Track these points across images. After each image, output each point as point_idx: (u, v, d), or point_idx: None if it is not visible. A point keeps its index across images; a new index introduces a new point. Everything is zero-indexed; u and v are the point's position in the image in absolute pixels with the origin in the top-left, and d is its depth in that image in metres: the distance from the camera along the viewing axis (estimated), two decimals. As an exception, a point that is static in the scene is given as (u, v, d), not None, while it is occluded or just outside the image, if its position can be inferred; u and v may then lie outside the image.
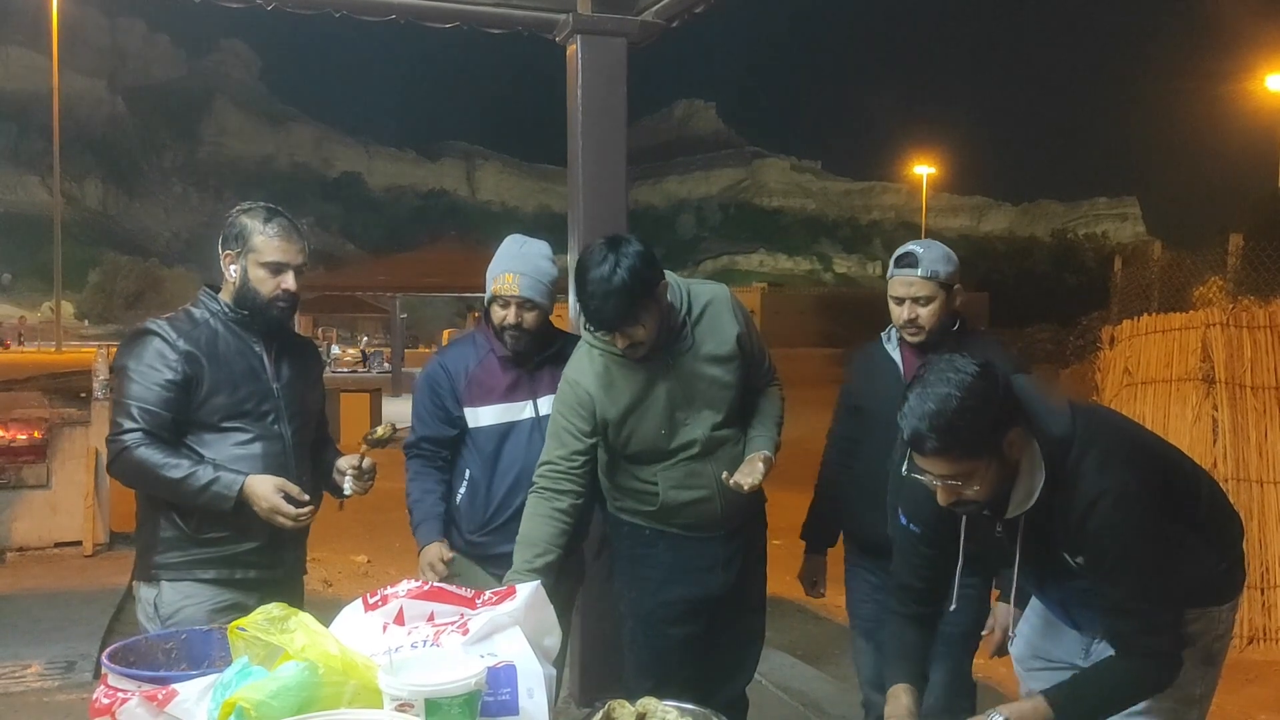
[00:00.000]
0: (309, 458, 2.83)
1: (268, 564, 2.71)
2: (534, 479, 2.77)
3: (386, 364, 24.39)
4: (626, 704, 1.83)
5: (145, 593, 2.67)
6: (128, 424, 2.56)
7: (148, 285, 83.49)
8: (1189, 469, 2.30)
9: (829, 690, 4.55)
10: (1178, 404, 6.06)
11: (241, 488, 2.54)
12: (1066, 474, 2.01)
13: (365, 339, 52.75)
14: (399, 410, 13.84)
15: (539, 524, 2.70)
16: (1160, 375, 6.28)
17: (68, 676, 4.67)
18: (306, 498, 2.62)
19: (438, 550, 2.95)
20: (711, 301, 2.82)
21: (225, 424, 2.63)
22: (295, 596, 2.69)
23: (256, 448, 2.65)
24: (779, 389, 2.99)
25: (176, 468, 2.53)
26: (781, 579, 3.42)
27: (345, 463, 2.81)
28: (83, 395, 7.12)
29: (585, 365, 2.79)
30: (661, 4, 4.06)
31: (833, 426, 3.21)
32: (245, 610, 1.77)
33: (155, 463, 2.53)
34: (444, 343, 23.54)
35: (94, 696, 1.76)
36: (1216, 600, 2.23)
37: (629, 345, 2.67)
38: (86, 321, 78.55)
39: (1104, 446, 2.05)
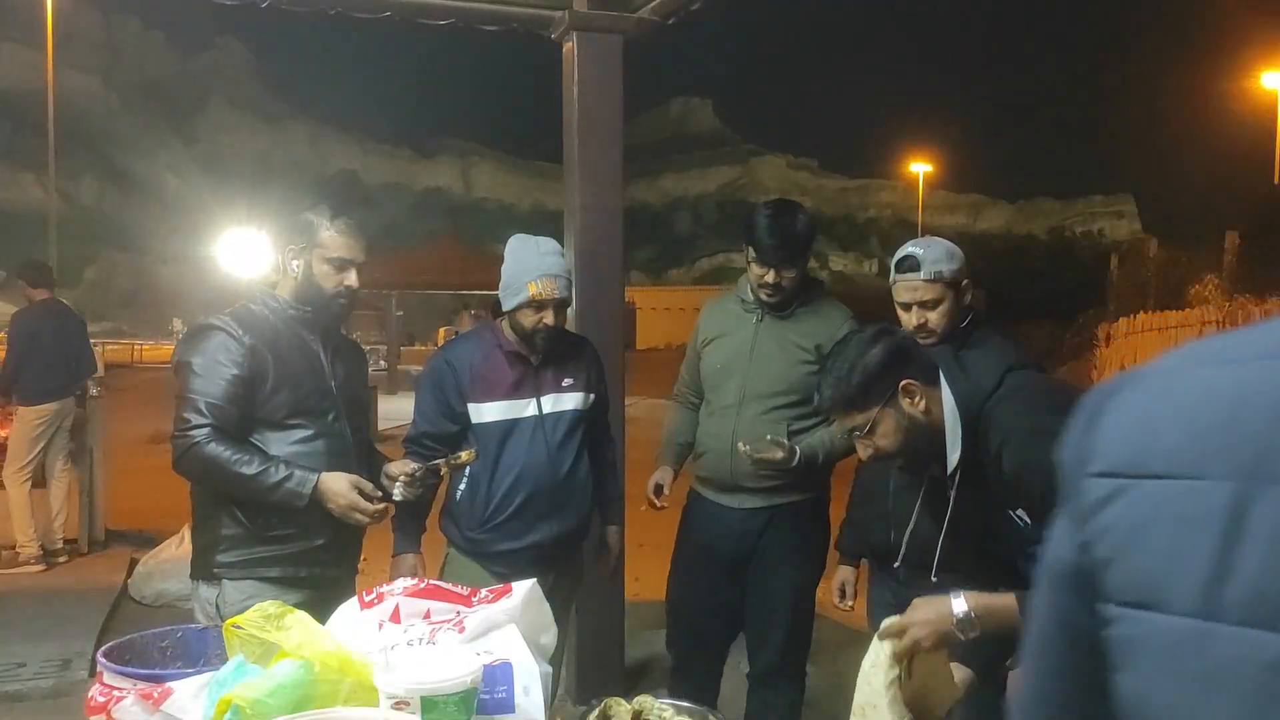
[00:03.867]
0: (365, 456, 2.84)
1: (332, 561, 2.72)
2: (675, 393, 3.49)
3: (382, 362, 24.29)
4: (623, 701, 1.83)
5: (205, 591, 2.65)
6: (196, 419, 2.53)
7: (143, 283, 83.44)
8: None
9: (826, 687, 4.56)
10: (1173, 401, 6.08)
11: (315, 485, 2.53)
12: (980, 423, 2.05)
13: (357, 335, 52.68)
14: (395, 408, 13.80)
15: (685, 415, 3.39)
16: (1156, 373, 6.29)
17: (63, 675, 4.66)
18: (380, 493, 2.64)
19: (413, 565, 2.94)
20: (831, 309, 3.22)
21: (289, 420, 2.64)
22: (351, 594, 2.71)
23: (319, 444, 2.66)
24: None
25: (249, 464, 2.52)
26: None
27: (396, 469, 2.80)
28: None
29: (714, 300, 3.44)
30: (657, 1, 4.06)
31: None
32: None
33: (226, 458, 2.51)
34: (439, 341, 23.48)
35: (89, 694, 1.76)
36: None
37: (775, 284, 3.11)
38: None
39: (1026, 397, 2.04)
